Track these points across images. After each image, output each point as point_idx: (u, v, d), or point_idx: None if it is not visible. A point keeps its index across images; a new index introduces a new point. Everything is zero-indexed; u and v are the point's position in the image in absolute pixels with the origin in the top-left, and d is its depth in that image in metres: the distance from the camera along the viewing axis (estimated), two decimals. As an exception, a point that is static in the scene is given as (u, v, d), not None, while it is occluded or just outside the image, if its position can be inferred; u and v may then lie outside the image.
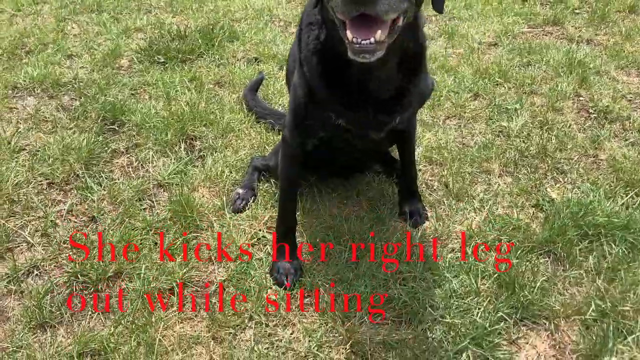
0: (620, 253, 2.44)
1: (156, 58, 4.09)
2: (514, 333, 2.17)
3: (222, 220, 2.72)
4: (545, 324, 2.21)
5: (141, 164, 3.13)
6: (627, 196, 2.75)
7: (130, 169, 3.11)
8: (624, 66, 3.95)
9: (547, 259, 2.47)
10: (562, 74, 3.82)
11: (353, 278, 2.36)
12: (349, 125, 2.09)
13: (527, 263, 2.41)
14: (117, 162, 3.15)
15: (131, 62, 4.12)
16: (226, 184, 2.95)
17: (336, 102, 2.03)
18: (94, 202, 2.84)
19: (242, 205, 2.79)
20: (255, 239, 2.63)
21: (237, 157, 3.12)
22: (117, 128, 3.40)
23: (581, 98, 3.60)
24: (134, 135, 3.33)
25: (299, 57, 2.10)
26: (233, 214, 2.76)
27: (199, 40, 4.21)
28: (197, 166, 3.10)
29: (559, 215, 2.61)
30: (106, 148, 3.20)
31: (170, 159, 3.14)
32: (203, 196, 2.89)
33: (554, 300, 2.27)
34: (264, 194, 2.89)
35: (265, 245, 2.61)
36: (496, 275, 2.34)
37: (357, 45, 1.61)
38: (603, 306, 2.21)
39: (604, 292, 2.28)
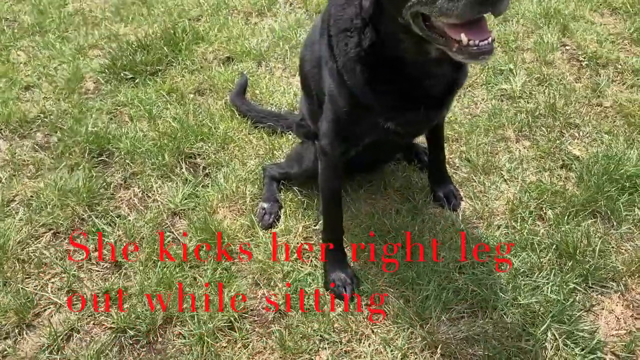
0: (660, 200, 2.48)
1: (122, 75, 3.81)
2: (587, 301, 2.17)
3: (255, 239, 2.59)
4: (613, 285, 2.22)
5: (146, 194, 2.93)
6: (646, 141, 2.79)
7: (136, 201, 2.90)
8: (596, 8, 3.98)
9: (593, 219, 2.48)
10: (541, 25, 3.82)
11: (414, 276, 2.29)
12: (397, 128, 2.00)
13: (577, 227, 2.41)
14: (120, 197, 2.93)
15: (97, 83, 3.82)
16: (246, 200, 2.80)
17: (385, 106, 1.93)
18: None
19: (271, 220, 2.66)
20: (297, 254, 2.51)
21: (246, 169, 2.97)
22: (107, 159, 3.16)
23: (567, 47, 3.62)
24: (128, 164, 3.10)
25: (335, 66, 1.97)
26: (264, 230, 2.63)
27: (164, 48, 3.95)
28: (208, 186, 2.92)
29: (590, 173, 2.62)
30: (104, 183, 2.97)
31: (175, 183, 2.95)
32: (225, 217, 2.73)
33: (614, 259, 2.29)
34: (289, 203, 2.76)
35: (308, 258, 2.50)
36: (554, 246, 2.33)
37: (476, 48, 1.52)
38: (663, 257, 2.25)
39: (657, 242, 2.32)
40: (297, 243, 2.54)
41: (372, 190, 2.78)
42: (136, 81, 3.76)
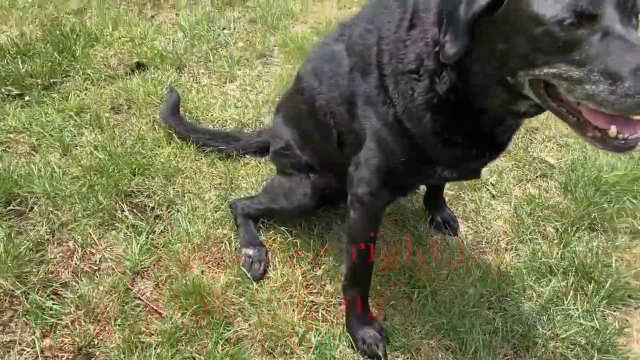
0: (644, 207, 2.58)
1: (4, 90, 3.04)
2: (616, 323, 2.18)
3: (249, 296, 2.21)
4: (632, 302, 2.25)
5: (87, 250, 2.36)
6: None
7: (78, 261, 2.32)
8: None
9: (591, 232, 2.49)
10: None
11: (453, 322, 2.11)
12: (453, 175, 1.78)
13: (580, 243, 2.41)
14: (54, 259, 2.33)
15: (-30, 103, 3.01)
16: (221, 247, 2.39)
17: (452, 157, 1.69)
18: (68, 327, 2.08)
19: (261, 269, 2.29)
20: (307, 310, 2.19)
21: (208, 206, 2.53)
22: (19, 208, 2.49)
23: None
24: (52, 212, 2.47)
25: (391, 111, 1.66)
26: (257, 284, 2.26)
27: (55, 55, 3.22)
28: (165, 232, 2.44)
29: (575, 184, 2.63)
30: (29, 243, 2.33)
31: (122, 232, 2.42)
32: (202, 272, 2.30)
33: (624, 274, 2.32)
34: (276, 245, 2.41)
35: (317, 312, 2.20)
36: (573, 268, 2.30)
37: (623, 142, 1.29)
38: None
39: (655, 251, 2.40)
40: (304, 296, 2.22)
41: (361, 220, 2.52)
42: (26, 99, 3.02)
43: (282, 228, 2.43)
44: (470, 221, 2.54)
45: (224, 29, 3.67)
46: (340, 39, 1.89)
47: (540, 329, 2.12)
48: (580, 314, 2.16)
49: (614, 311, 2.22)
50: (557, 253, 2.37)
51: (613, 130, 1.29)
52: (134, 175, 2.64)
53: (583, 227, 2.49)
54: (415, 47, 1.58)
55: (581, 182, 2.63)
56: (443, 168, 1.74)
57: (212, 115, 3.01)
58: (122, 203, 2.53)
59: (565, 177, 2.69)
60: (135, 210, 2.53)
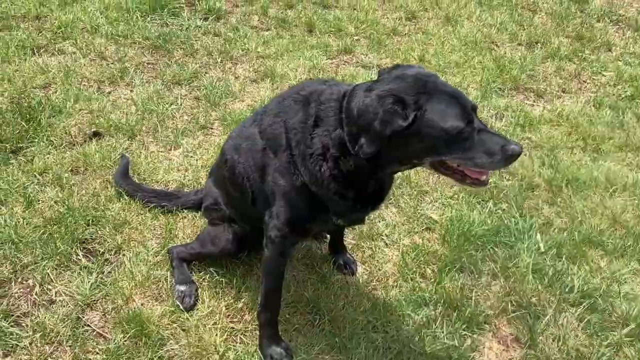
0: (503, 254, 3.23)
1: (-24, 153, 3.53)
2: (474, 343, 2.76)
3: (181, 323, 2.71)
4: (486, 327, 2.85)
5: (46, 287, 2.82)
6: (480, 206, 3.58)
7: (37, 296, 2.77)
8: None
9: (461, 273, 3.12)
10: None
11: (342, 342, 2.66)
12: (344, 222, 2.45)
13: (452, 282, 3.02)
14: (15, 293, 2.78)
15: (-54, 162, 3.48)
16: (159, 284, 2.89)
17: (344, 208, 2.31)
18: (27, 348, 2.52)
19: (192, 302, 2.80)
20: (227, 334, 2.69)
21: (150, 251, 3.04)
22: (-14, 251, 2.95)
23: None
24: (16, 255, 2.93)
25: (300, 179, 2.27)
26: (188, 313, 2.76)
27: (23, 123, 3.74)
28: (112, 272, 2.93)
29: (450, 235, 3.28)
30: (-6, 281, 2.78)
31: (76, 272, 2.90)
32: (143, 305, 2.79)
33: (483, 305, 2.93)
34: (205, 283, 2.92)
35: (237, 336, 2.71)
36: (442, 300, 2.90)
37: (486, 180, 2.12)
38: (514, 299, 2.96)
39: (508, 288, 3.03)
40: (227, 324, 2.73)
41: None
42: (-5, 160, 3.51)
43: (211, 269, 2.96)
44: (366, 264, 3.13)
45: (171, 104, 4.28)
46: (254, 123, 2.52)
47: (412, 346, 2.69)
48: (445, 335, 2.75)
49: (472, 334, 2.81)
50: (432, 289, 2.97)
51: (484, 177, 2.11)
52: (88, 225, 3.14)
53: (454, 269, 3.11)
54: (321, 139, 2.21)
55: (456, 234, 3.28)
56: (336, 217, 2.36)
57: (157, 177, 3.56)
58: (77, 249, 3.02)
59: (445, 230, 3.33)
60: (88, 254, 3.02)
